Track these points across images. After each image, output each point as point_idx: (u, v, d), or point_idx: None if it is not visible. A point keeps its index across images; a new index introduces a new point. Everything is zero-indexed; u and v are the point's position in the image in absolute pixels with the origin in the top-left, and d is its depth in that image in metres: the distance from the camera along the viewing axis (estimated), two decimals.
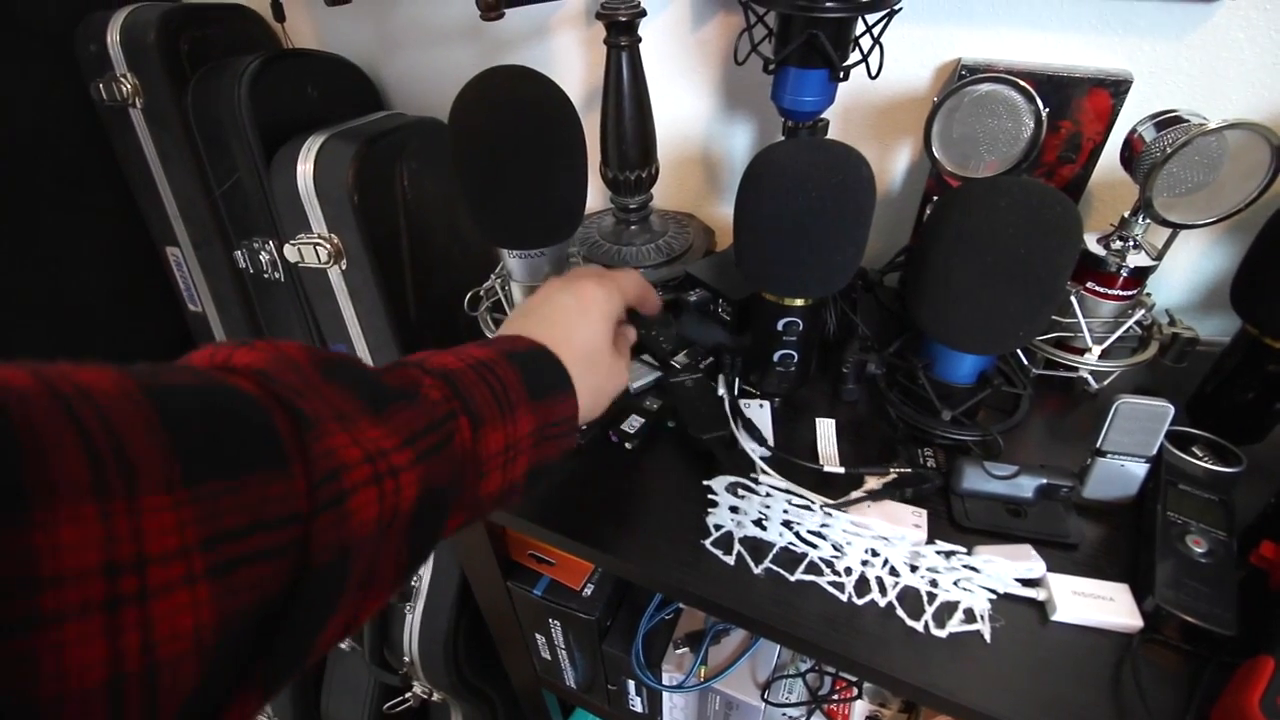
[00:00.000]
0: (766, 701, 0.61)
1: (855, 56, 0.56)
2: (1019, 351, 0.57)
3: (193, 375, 0.19)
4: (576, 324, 0.38)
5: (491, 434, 0.30)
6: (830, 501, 0.46)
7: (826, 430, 0.54)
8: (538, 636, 0.70)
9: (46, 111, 0.76)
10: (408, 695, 1.00)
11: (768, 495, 0.46)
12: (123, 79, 0.73)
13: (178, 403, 0.17)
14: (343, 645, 1.04)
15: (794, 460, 0.49)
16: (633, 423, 0.53)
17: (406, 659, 0.94)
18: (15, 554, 0.12)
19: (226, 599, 0.16)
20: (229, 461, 0.17)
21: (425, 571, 0.90)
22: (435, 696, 1.00)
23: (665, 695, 0.67)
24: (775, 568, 0.44)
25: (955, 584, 0.42)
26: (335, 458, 0.21)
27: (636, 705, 0.71)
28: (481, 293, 0.62)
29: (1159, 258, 0.53)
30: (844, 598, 0.43)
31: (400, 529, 0.24)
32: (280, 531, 0.18)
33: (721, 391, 0.53)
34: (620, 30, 0.60)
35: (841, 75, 0.55)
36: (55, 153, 0.78)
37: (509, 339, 0.35)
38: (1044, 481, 0.45)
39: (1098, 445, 0.45)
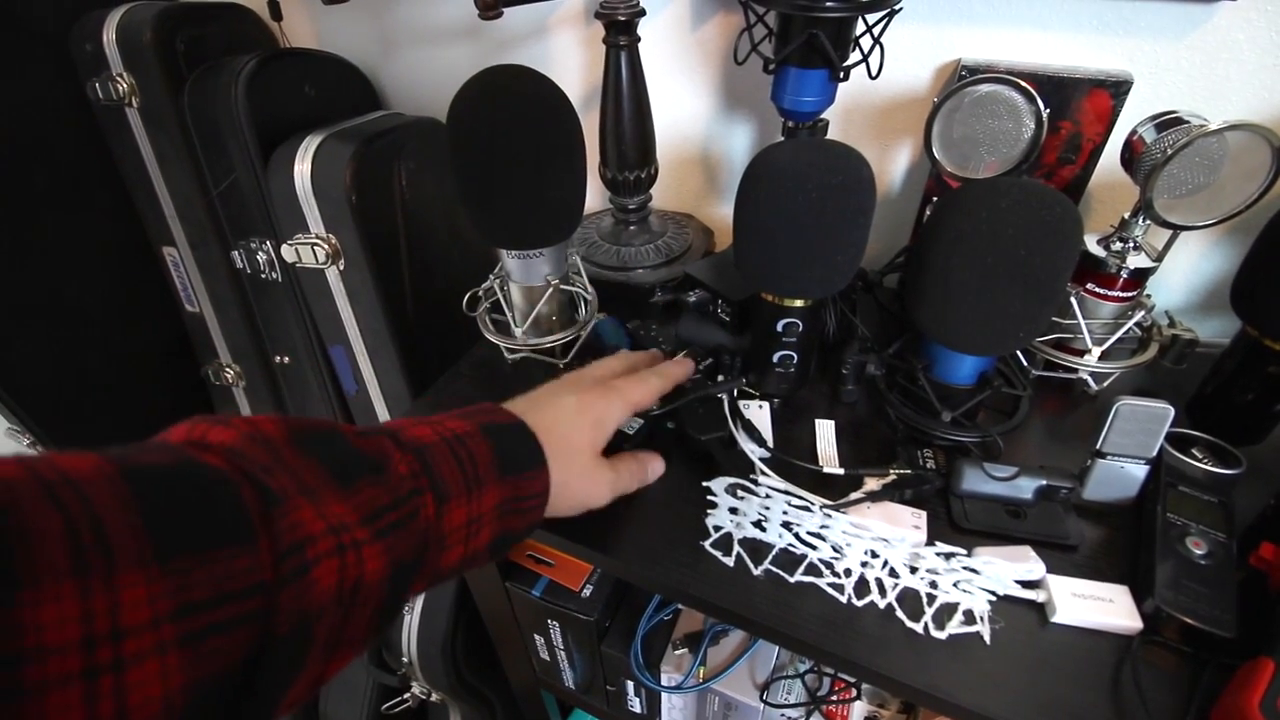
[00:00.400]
0: (765, 702, 0.61)
1: (855, 56, 0.56)
2: (1019, 353, 0.56)
3: (167, 454, 0.21)
4: (567, 420, 0.40)
5: (456, 509, 0.31)
6: (830, 503, 0.46)
7: (826, 431, 0.54)
8: (536, 637, 0.70)
9: (42, 111, 0.76)
10: (406, 696, 0.99)
11: (767, 496, 0.46)
12: (119, 78, 0.73)
13: (151, 483, 0.19)
14: None
15: (793, 461, 0.49)
16: (632, 424, 0.53)
17: (405, 659, 0.94)
18: (3, 631, 0.14)
19: (195, 666, 0.18)
20: (197, 537, 0.19)
21: None
22: (434, 697, 0.99)
23: (664, 696, 0.67)
24: (775, 569, 0.44)
25: (955, 585, 0.42)
26: (300, 531, 0.22)
27: (635, 706, 0.71)
28: (480, 293, 0.62)
29: (1159, 259, 0.53)
30: (843, 599, 0.42)
31: (367, 599, 0.25)
32: (247, 601, 0.19)
33: (720, 393, 0.53)
34: (619, 30, 0.60)
35: (842, 75, 0.55)
36: (51, 153, 0.77)
37: (491, 410, 0.37)
38: (1044, 483, 0.45)
39: (1097, 447, 0.45)
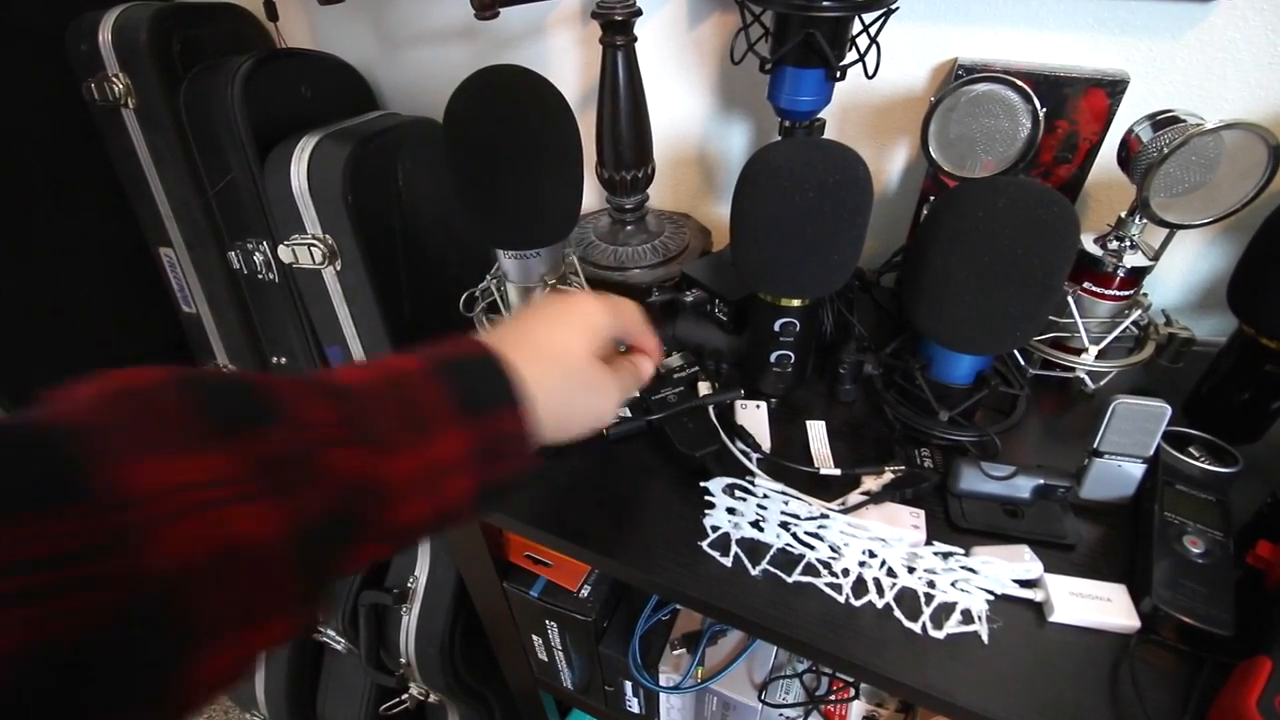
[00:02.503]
0: (764, 702, 0.61)
1: (852, 56, 0.56)
2: (1016, 352, 0.57)
3: (13, 418, 0.20)
4: (553, 328, 0.35)
5: (400, 458, 0.27)
6: (828, 505, 0.46)
7: (818, 432, 0.54)
8: (534, 637, 0.69)
9: (38, 112, 0.76)
10: (404, 697, 0.99)
11: (765, 497, 0.46)
12: (115, 79, 0.72)
13: None
14: (338, 647, 1.04)
15: (789, 465, 0.48)
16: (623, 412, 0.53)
17: (403, 660, 0.93)
18: None
19: (19, 630, 0.17)
20: (10, 498, 0.18)
21: (422, 573, 0.90)
22: (432, 698, 0.99)
23: (662, 696, 0.67)
24: (773, 569, 0.44)
25: (953, 585, 0.42)
26: (137, 490, 0.20)
27: (633, 706, 0.71)
28: (477, 293, 0.62)
29: (1156, 258, 0.53)
30: (841, 599, 0.42)
31: (256, 563, 0.22)
32: (81, 565, 0.18)
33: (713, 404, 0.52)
34: (616, 29, 0.60)
35: (838, 75, 0.55)
36: (47, 153, 0.77)
37: (452, 344, 0.32)
38: (1041, 482, 0.45)
39: (1095, 446, 0.45)
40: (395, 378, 0.28)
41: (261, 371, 0.26)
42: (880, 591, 0.42)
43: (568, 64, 0.78)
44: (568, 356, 0.34)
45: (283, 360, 0.84)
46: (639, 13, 0.60)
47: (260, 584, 0.22)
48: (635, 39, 0.61)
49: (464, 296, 0.61)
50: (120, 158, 0.79)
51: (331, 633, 1.02)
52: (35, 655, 0.17)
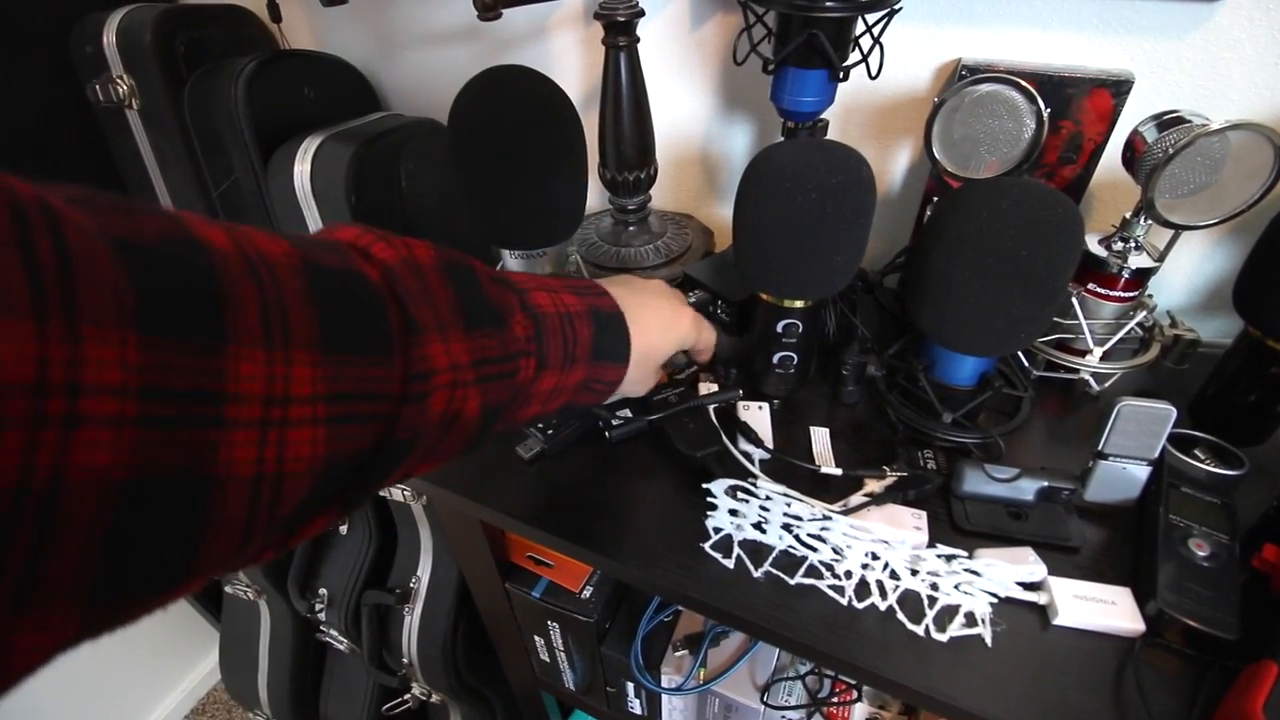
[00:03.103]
0: (766, 704, 0.61)
1: (855, 56, 0.55)
2: (1019, 353, 0.56)
3: (339, 257, 0.24)
4: (659, 327, 0.43)
5: (548, 377, 0.34)
6: (831, 507, 0.46)
7: (821, 437, 0.53)
8: (536, 638, 0.69)
9: (42, 113, 0.76)
10: (406, 697, 1.00)
11: (767, 498, 0.46)
12: (119, 80, 0.73)
13: (325, 282, 0.22)
14: (341, 647, 1.04)
15: (792, 461, 0.48)
16: (619, 415, 0.53)
17: (405, 660, 0.94)
18: (212, 373, 0.17)
19: (334, 441, 0.21)
20: (353, 341, 0.22)
21: (424, 574, 0.90)
22: (434, 698, 0.99)
23: (664, 698, 0.67)
24: (775, 571, 0.44)
25: (956, 588, 0.42)
26: (428, 363, 0.26)
27: (635, 708, 0.71)
28: None
29: (1161, 259, 0.52)
30: (844, 601, 0.42)
31: (461, 429, 0.29)
32: (379, 404, 0.23)
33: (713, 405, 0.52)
34: (619, 30, 0.60)
35: (841, 75, 0.55)
36: (51, 154, 0.77)
37: (601, 295, 0.40)
38: (1045, 484, 0.45)
39: (1099, 448, 0.44)
40: (565, 314, 0.36)
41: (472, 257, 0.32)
42: (883, 594, 0.42)
43: (570, 65, 0.78)
44: (654, 351, 0.43)
45: None
46: (641, 13, 0.60)
47: (457, 441, 0.30)
48: (638, 40, 0.61)
49: None
50: (125, 159, 0.79)
51: (334, 633, 1.02)
52: (331, 463, 0.22)
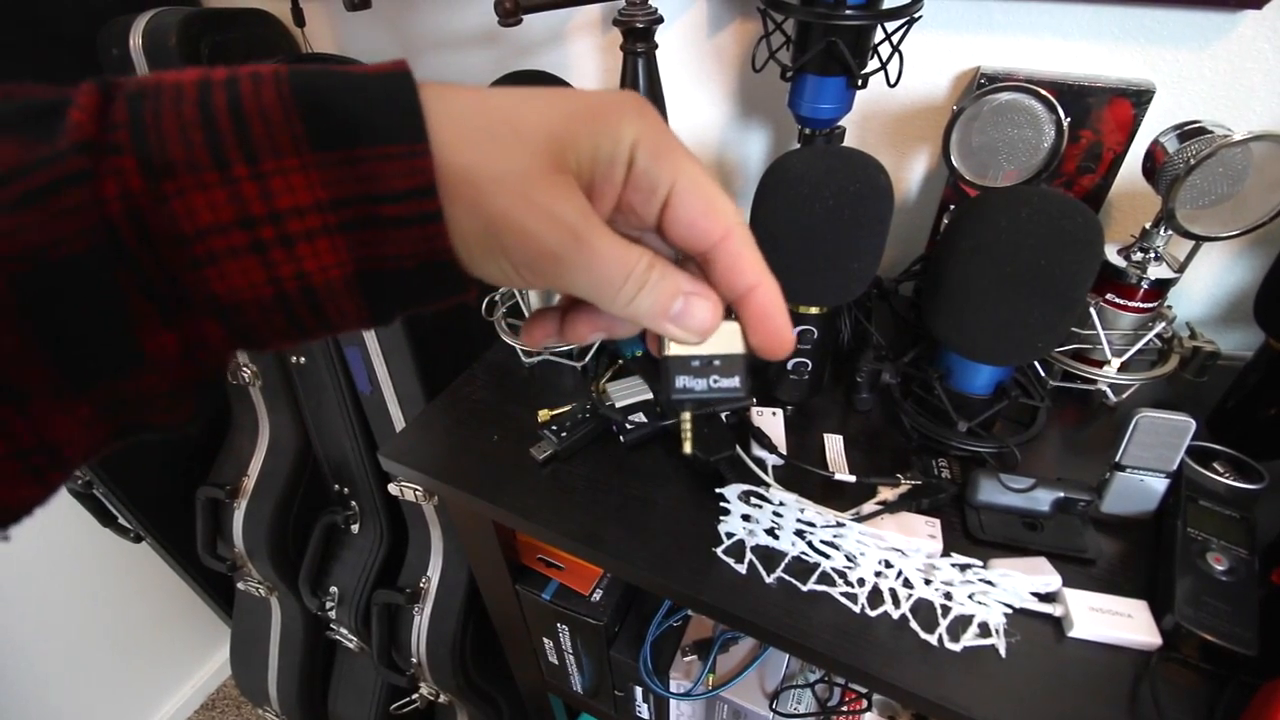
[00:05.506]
0: (775, 711, 0.61)
1: (874, 64, 0.56)
2: (1036, 363, 0.56)
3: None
4: (513, 97, 0.21)
5: (193, 194, 0.17)
6: (844, 515, 0.45)
7: (835, 443, 0.53)
8: (545, 641, 0.70)
9: None
10: (415, 696, 1.00)
11: (780, 504, 0.46)
12: None
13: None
14: (350, 646, 1.05)
15: (804, 467, 0.48)
16: (631, 419, 0.53)
17: (414, 660, 0.94)
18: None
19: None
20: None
21: (434, 574, 0.90)
22: (442, 698, 1.00)
23: (672, 703, 0.67)
24: (787, 577, 0.44)
25: (970, 597, 0.41)
26: None
27: (643, 712, 0.71)
28: (497, 297, 0.62)
29: (1181, 270, 0.52)
30: (857, 609, 0.42)
31: None
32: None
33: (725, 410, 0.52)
34: (637, 37, 0.60)
35: (860, 83, 0.55)
36: None
37: (333, 62, 0.26)
38: (1061, 495, 0.45)
39: (1117, 459, 0.44)
40: (210, 83, 0.18)
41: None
42: (896, 602, 0.42)
43: (588, 70, 0.79)
44: (509, 119, 0.20)
45: (301, 360, 0.85)
46: (660, 20, 0.60)
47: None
48: (656, 46, 0.62)
49: (484, 300, 0.62)
50: None
51: (344, 631, 1.03)
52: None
